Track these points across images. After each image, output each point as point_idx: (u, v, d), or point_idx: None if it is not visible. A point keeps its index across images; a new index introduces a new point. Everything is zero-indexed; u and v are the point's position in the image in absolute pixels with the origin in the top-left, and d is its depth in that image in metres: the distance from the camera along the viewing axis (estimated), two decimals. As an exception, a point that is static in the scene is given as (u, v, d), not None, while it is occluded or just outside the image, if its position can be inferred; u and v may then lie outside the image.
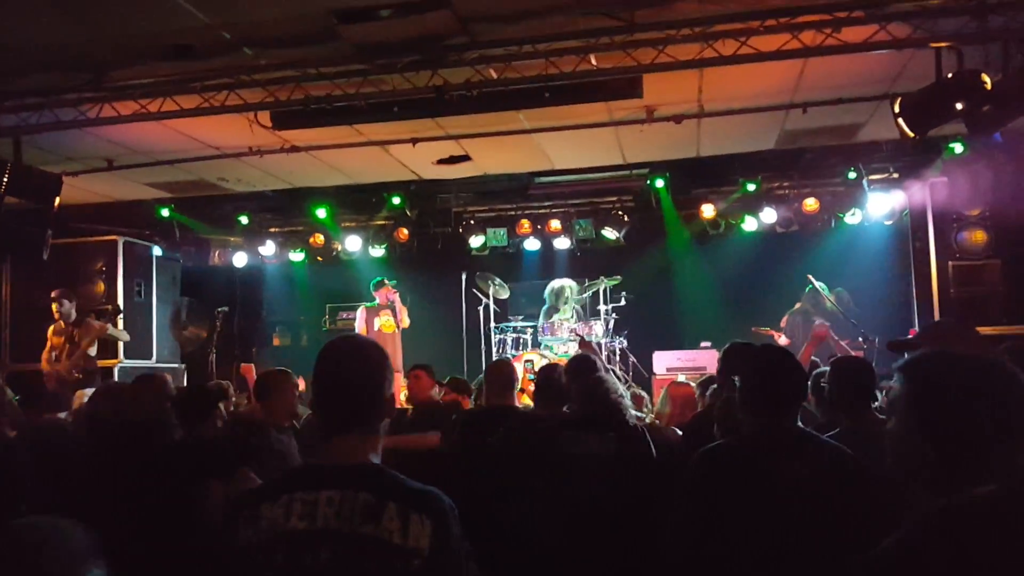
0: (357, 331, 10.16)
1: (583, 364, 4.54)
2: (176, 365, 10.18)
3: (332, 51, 5.97)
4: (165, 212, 10.52)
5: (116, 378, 8.90)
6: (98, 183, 9.01)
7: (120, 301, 9.31)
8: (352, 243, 11.31)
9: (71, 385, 7.33)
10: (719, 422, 3.54)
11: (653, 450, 3.74)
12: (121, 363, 9.21)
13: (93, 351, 8.03)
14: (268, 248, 11.52)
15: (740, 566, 2.48)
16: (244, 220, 11.27)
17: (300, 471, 2.06)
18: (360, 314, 10.36)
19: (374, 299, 10.30)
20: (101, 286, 9.48)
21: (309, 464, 2.08)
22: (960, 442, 1.61)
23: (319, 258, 11.91)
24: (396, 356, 9.88)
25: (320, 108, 6.42)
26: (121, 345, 9.28)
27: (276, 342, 12.22)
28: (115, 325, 8.48)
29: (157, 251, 10.44)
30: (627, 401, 3.96)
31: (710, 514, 2.54)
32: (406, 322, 10.33)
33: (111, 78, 6.43)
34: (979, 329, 7.29)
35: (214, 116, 6.63)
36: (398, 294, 10.24)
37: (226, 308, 10.04)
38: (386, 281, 10.29)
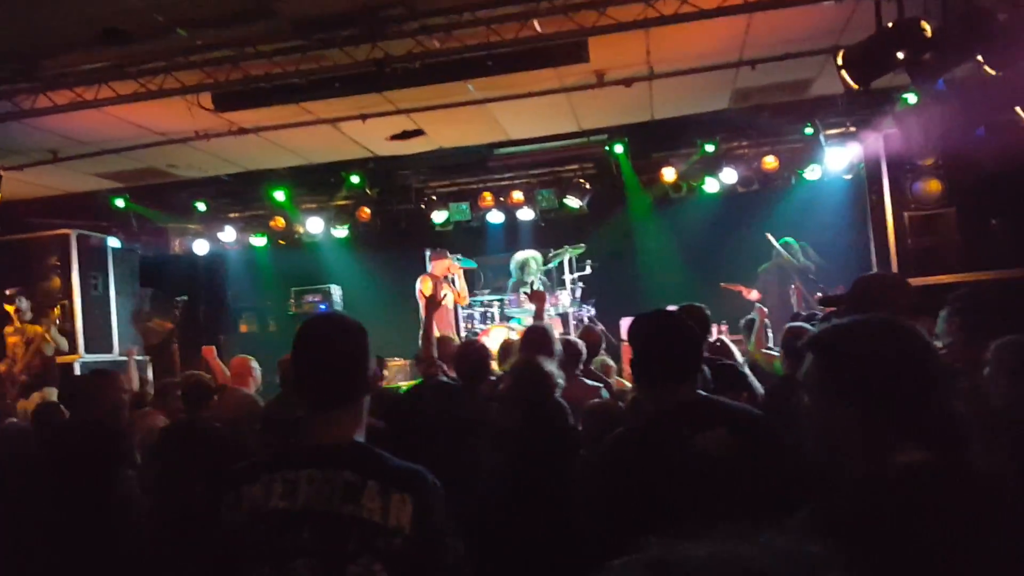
0: (420, 299, 9.12)
1: (532, 338, 4.57)
2: (140, 358, 10.04)
3: (269, 28, 5.87)
4: (120, 202, 10.34)
5: (77, 373, 8.79)
6: (45, 176, 8.84)
7: (76, 295, 9.16)
8: (314, 225, 11.20)
9: (19, 387, 7.23)
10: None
11: (571, 422, 3.76)
12: (81, 358, 9.08)
13: (49, 351, 7.91)
14: (228, 234, 11.38)
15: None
16: (202, 207, 11.10)
17: (283, 451, 2.04)
18: (424, 284, 9.26)
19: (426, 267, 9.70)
20: (56, 281, 9.30)
21: (292, 443, 2.05)
22: (880, 406, 1.57)
23: (281, 241, 11.79)
24: (450, 331, 9.62)
25: (260, 88, 6.31)
26: (81, 339, 9.15)
27: (243, 329, 12.09)
28: (53, 324, 8.29)
29: (113, 242, 10.25)
30: (557, 377, 3.98)
31: (622, 506, 2.43)
32: (466, 299, 9.96)
33: (44, 67, 6.29)
34: (937, 278, 7.44)
35: (154, 101, 6.51)
36: (462, 270, 9.78)
37: (186, 297, 9.91)
38: (447, 253, 9.71)
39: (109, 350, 9.59)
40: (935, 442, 1.56)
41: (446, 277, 9.70)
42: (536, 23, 5.94)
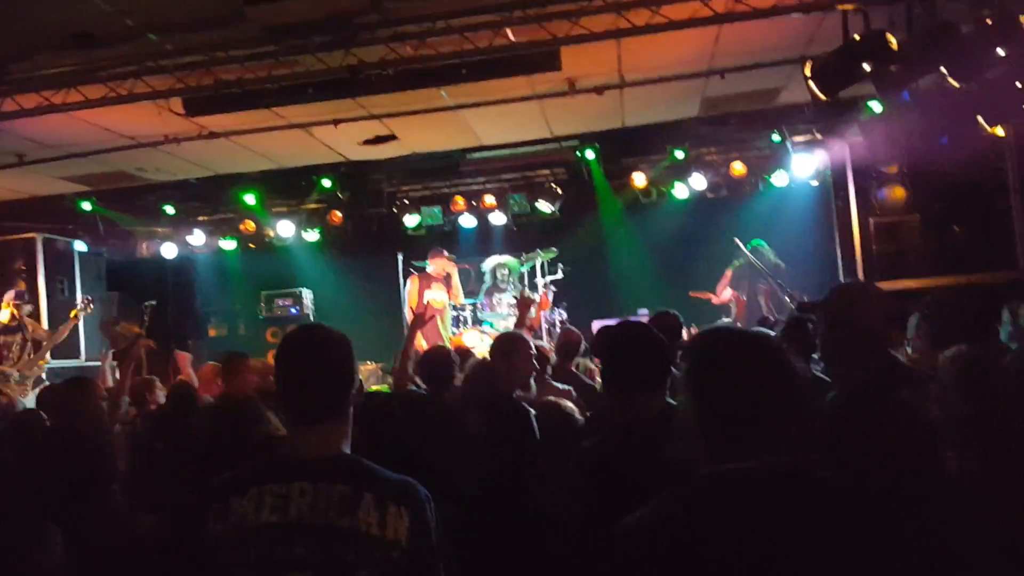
0: (406, 303, 9.50)
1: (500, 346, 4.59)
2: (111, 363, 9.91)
3: (240, 34, 5.83)
4: (87, 206, 10.20)
5: (44, 379, 8.66)
6: (11, 179, 8.72)
7: (42, 299, 9.04)
8: (284, 228, 11.11)
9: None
10: None
11: (532, 427, 3.77)
12: (48, 364, 8.94)
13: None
14: (197, 238, 11.26)
15: None
16: (170, 210, 10.97)
17: (268, 463, 2.01)
18: (412, 284, 9.62)
19: (421, 267, 9.76)
20: (22, 285, 9.17)
21: (279, 456, 2.02)
22: (721, 417, 1.66)
23: (251, 245, 11.69)
24: (444, 334, 9.66)
25: (232, 93, 6.27)
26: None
27: (212, 333, 11.98)
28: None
29: (80, 246, 10.12)
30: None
31: (595, 515, 2.47)
32: (460, 299, 9.97)
33: (11, 71, 6.20)
34: (901, 283, 7.60)
35: (123, 105, 6.44)
36: (457, 268, 9.85)
37: (154, 302, 9.78)
38: (444, 252, 9.78)
39: (76, 355, 9.47)
40: (781, 450, 1.65)
41: (443, 277, 9.72)
42: (509, 32, 5.97)
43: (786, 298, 9.33)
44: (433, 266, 9.68)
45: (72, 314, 8.33)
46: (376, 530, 1.83)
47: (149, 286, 10.98)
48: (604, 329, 2.80)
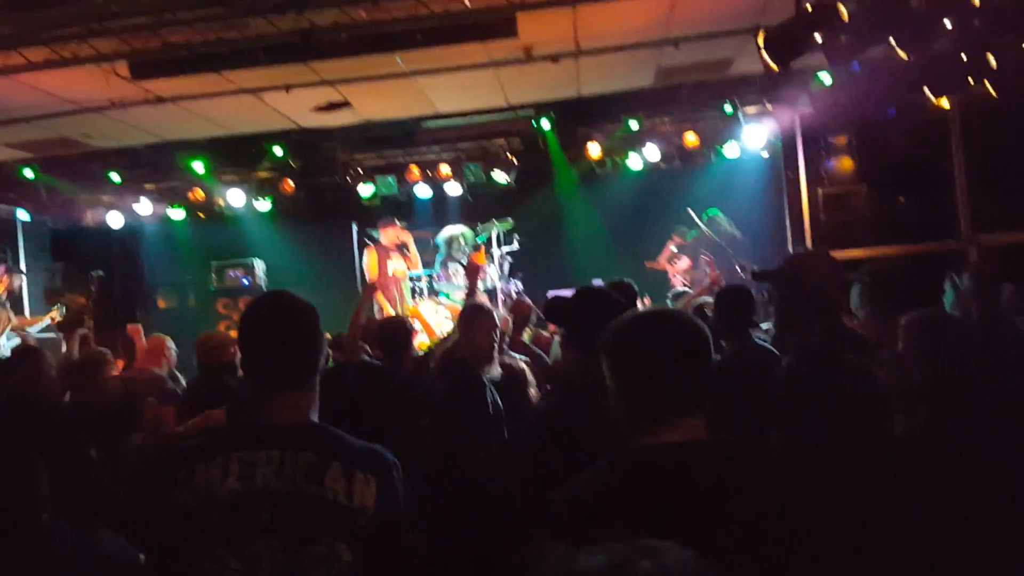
0: (368, 276, 9.34)
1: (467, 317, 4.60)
2: (52, 335, 9.69)
3: (189, -6, 5.68)
4: (29, 173, 9.90)
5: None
6: (-52, 145, 8.41)
7: (-17, 270, 8.78)
8: (235, 197, 10.91)
9: None
10: None
11: (490, 398, 3.81)
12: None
13: None
14: (144, 206, 11.00)
15: None
16: (116, 177, 10.66)
17: (236, 430, 2.01)
18: (370, 255, 9.46)
19: (373, 237, 9.66)
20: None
21: (245, 423, 2.02)
22: (643, 393, 1.75)
23: (200, 214, 11.46)
24: (407, 304, 9.60)
25: (180, 56, 6.12)
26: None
27: (161, 304, 11.75)
28: None
29: (23, 215, 9.85)
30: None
31: (546, 472, 2.53)
32: (419, 267, 9.89)
33: (-53, 31, 5.96)
34: (848, 252, 7.77)
35: (67, 69, 6.24)
36: (411, 235, 9.77)
37: (101, 272, 9.58)
38: (396, 221, 9.65)
39: (20, 327, 9.22)
40: (700, 420, 1.75)
41: (398, 246, 9.67)
42: (465, -4, 5.92)
43: (737, 268, 9.53)
44: (385, 237, 9.61)
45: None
46: (343, 498, 1.84)
47: (95, 256, 10.76)
48: (560, 297, 2.84)
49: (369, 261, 9.43)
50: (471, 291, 5.44)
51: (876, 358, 3.01)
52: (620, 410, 1.80)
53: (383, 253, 9.53)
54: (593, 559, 0.83)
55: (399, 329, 4.88)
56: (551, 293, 9.79)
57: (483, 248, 10.10)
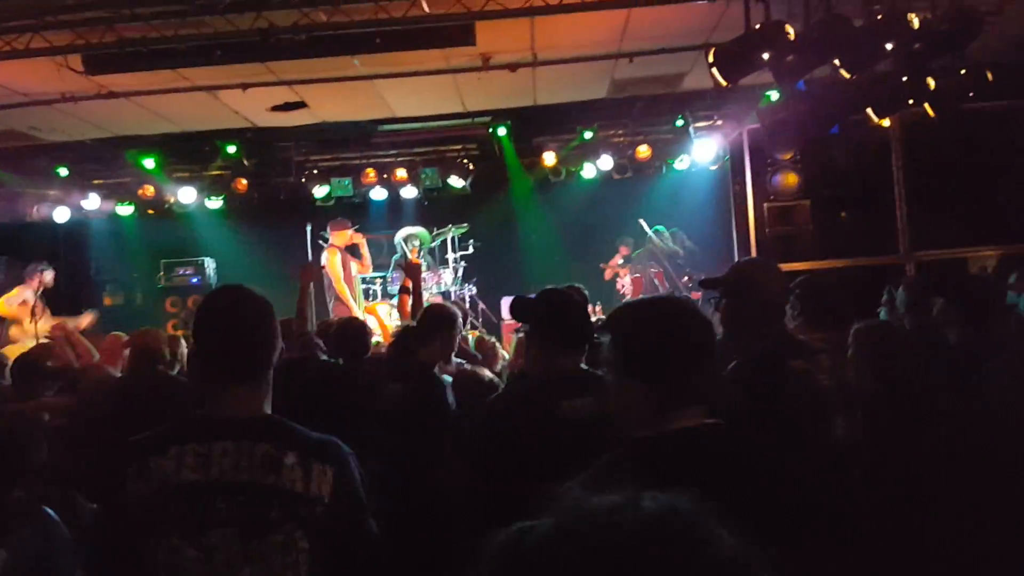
0: (330, 277, 9.24)
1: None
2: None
3: (147, -10, 5.65)
4: (-27, 165, 9.67)
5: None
6: None
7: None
8: (186, 195, 10.76)
9: None
10: None
11: (449, 399, 3.90)
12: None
13: None
14: (92, 201, 10.80)
15: (522, 506, 2.59)
16: (63, 172, 10.46)
17: (188, 422, 2.00)
18: (331, 256, 9.35)
19: (326, 238, 9.62)
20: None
21: (198, 415, 2.01)
22: (661, 374, 1.77)
23: (150, 211, 11.29)
24: (358, 303, 9.53)
25: (136, 51, 6.06)
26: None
27: (108, 301, 11.53)
28: None
29: (-36, 207, 9.61)
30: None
31: (495, 457, 2.62)
32: (370, 268, 9.85)
33: None
34: (792, 265, 7.99)
35: (19, 60, 6.14)
36: (364, 238, 9.78)
37: (46, 266, 9.39)
38: (348, 223, 9.61)
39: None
40: (706, 406, 1.80)
41: (349, 248, 9.64)
42: (424, 3, 5.98)
43: (681, 283, 9.75)
44: (336, 238, 9.57)
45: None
46: (300, 486, 1.87)
47: (40, 250, 10.51)
48: (524, 297, 2.98)
49: (331, 261, 9.40)
50: (415, 291, 5.45)
51: (817, 364, 3.15)
52: (628, 398, 1.81)
53: (344, 254, 9.53)
54: (606, 498, 0.83)
55: (357, 330, 4.91)
56: (506, 300, 9.91)
57: (417, 249, 10.15)
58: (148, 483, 1.86)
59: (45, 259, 9.76)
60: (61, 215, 10.92)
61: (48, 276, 9.06)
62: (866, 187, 8.66)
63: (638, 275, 10.69)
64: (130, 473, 1.88)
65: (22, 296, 8.81)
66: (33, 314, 8.29)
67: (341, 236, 9.55)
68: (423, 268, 9.90)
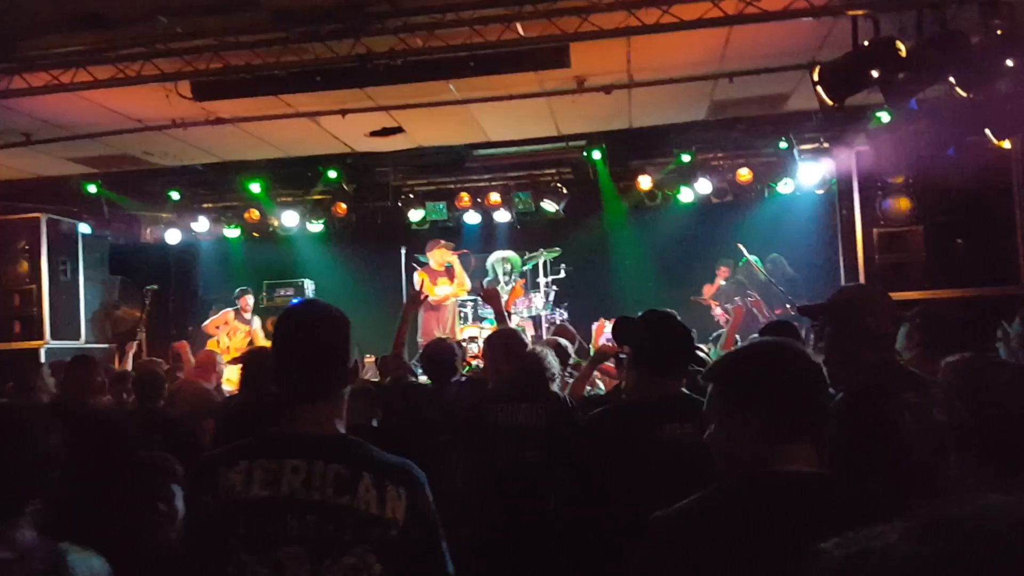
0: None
1: (510, 339, 4.60)
2: (105, 345, 9.94)
3: (251, 19, 5.83)
4: (92, 188, 10.21)
5: (43, 359, 8.69)
6: (17, 158, 8.71)
7: (44, 280, 9.07)
8: (289, 218, 11.13)
9: None
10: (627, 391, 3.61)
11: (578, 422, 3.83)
12: (47, 344, 8.97)
13: None
14: (201, 224, 11.28)
15: (619, 524, 2.52)
16: (175, 196, 10.98)
17: (261, 438, 1.99)
18: (419, 279, 9.65)
19: (421, 262, 9.81)
20: (24, 265, 9.21)
21: (271, 432, 2.00)
22: (768, 421, 1.72)
23: (255, 234, 11.71)
24: (453, 325, 9.68)
25: (240, 78, 6.27)
26: (47, 325, 9.04)
27: (212, 320, 11.99)
28: None
29: (84, 228, 10.14)
30: (555, 375, 4.09)
31: (592, 476, 2.56)
32: (465, 287, 9.89)
33: (21, 48, 6.21)
34: (903, 294, 7.58)
35: (132, 87, 6.45)
36: (458, 256, 9.87)
37: (155, 286, 9.82)
38: (442, 241, 9.76)
39: (76, 337, 9.49)
40: (814, 449, 1.73)
41: (445, 268, 9.70)
42: (519, 26, 5.97)
43: (776, 312, 9.36)
44: (432, 258, 9.66)
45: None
46: (375, 508, 1.83)
47: (151, 271, 11.03)
48: (632, 319, 2.95)
49: (418, 284, 9.52)
50: (499, 318, 5.42)
51: (931, 396, 2.92)
52: (736, 442, 1.77)
53: (431, 278, 9.61)
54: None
55: (442, 353, 4.89)
56: (596, 325, 9.77)
57: (520, 284, 10.12)
58: (216, 497, 1.85)
59: (156, 280, 10.25)
60: (172, 237, 11.44)
61: (249, 300, 10.15)
62: (984, 213, 8.14)
63: (738, 304, 10.34)
64: (200, 487, 1.89)
65: (224, 317, 10.15)
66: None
67: (435, 255, 9.64)
68: (519, 291, 9.90)
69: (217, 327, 10.04)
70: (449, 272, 9.78)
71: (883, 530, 0.78)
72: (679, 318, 4.68)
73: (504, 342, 4.52)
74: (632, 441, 2.60)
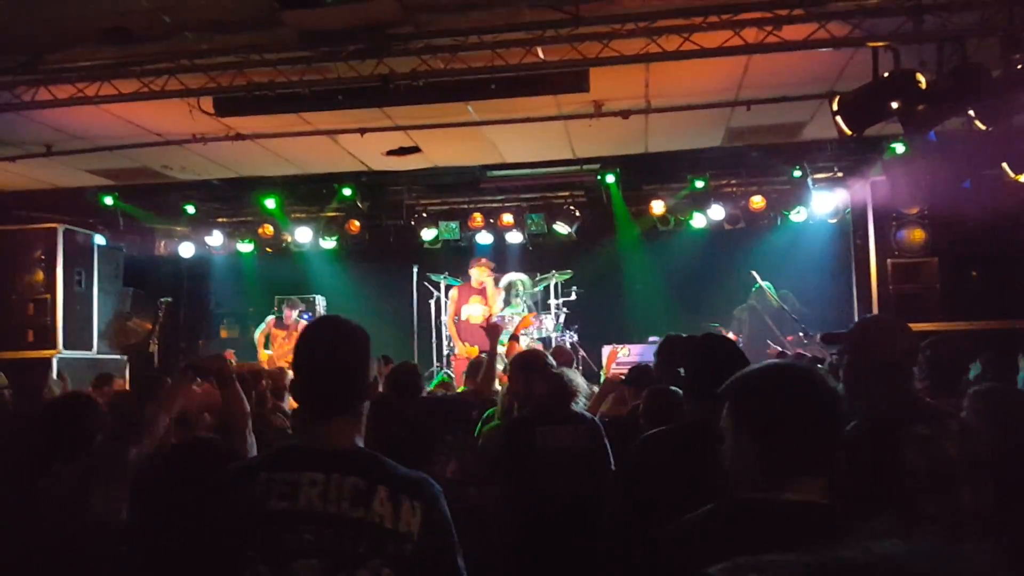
0: (446, 314, 9.75)
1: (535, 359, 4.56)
2: (117, 357, 9.96)
3: (275, 37, 5.89)
4: (108, 200, 10.28)
5: (55, 369, 8.71)
6: (37, 169, 8.80)
7: (59, 290, 9.10)
8: (302, 234, 11.19)
9: None
10: (644, 414, 3.59)
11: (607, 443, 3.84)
12: (60, 353, 9.00)
13: None
14: (215, 238, 11.34)
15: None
16: (191, 209, 11.04)
17: (280, 451, 2.01)
18: (453, 296, 9.75)
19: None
20: (40, 275, 9.24)
21: (290, 445, 2.02)
22: (771, 447, 1.70)
23: (268, 249, 11.77)
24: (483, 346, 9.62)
25: (263, 95, 6.33)
26: (60, 335, 9.07)
27: (224, 334, 11.99)
28: None
29: (100, 240, 10.19)
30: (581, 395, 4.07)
31: (646, 498, 2.54)
32: (496, 309, 9.80)
33: (47, 61, 6.28)
34: (916, 325, 7.51)
35: (155, 101, 6.51)
36: (493, 277, 9.85)
37: (169, 299, 9.86)
38: (483, 260, 9.74)
39: (89, 347, 9.51)
40: (822, 481, 1.70)
41: (482, 287, 9.70)
42: (540, 50, 6.02)
43: (787, 340, 9.32)
44: (472, 275, 9.73)
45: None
46: (390, 523, 1.83)
47: (165, 283, 11.10)
48: (686, 340, 2.92)
49: (451, 302, 9.78)
50: (490, 352, 5.28)
51: (945, 430, 2.91)
52: (740, 461, 1.77)
53: (462, 297, 9.67)
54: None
55: (405, 374, 4.85)
56: (606, 348, 9.73)
57: (533, 314, 10.13)
58: (235, 508, 1.86)
59: (169, 292, 10.30)
60: (186, 250, 11.49)
61: (294, 313, 10.41)
62: (999, 245, 8.12)
63: (737, 333, 10.30)
64: (220, 499, 1.90)
65: (268, 329, 10.45)
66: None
67: (476, 272, 9.69)
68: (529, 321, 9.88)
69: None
70: (483, 292, 9.77)
71: (780, 560, 0.77)
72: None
73: (533, 361, 4.43)
74: (689, 464, 2.55)
